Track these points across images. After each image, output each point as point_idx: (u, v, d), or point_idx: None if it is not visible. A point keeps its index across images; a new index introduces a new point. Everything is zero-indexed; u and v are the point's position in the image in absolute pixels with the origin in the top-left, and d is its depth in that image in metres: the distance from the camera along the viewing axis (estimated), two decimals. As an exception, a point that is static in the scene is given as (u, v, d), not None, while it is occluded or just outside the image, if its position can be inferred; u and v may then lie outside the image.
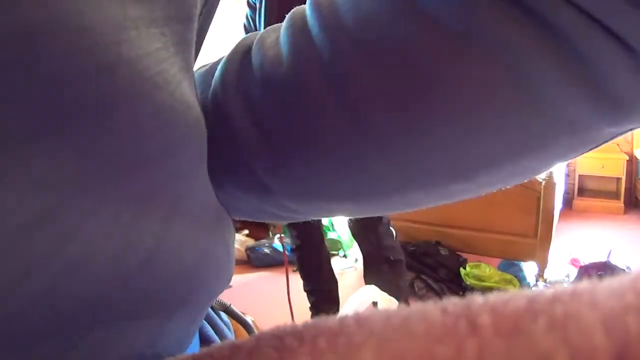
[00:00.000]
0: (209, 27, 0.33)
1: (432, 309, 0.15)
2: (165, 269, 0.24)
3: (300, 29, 0.33)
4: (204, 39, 0.33)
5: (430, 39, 0.28)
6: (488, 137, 0.30)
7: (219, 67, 0.37)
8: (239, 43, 0.38)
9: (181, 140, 0.24)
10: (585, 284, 0.15)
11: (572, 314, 0.13)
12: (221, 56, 0.39)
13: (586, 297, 0.14)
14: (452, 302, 0.15)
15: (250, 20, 2.18)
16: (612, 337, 0.12)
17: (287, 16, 0.35)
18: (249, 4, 2.17)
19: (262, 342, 0.17)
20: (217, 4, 0.33)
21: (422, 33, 0.29)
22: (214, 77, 0.37)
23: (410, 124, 0.30)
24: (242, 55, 0.36)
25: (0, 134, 0.16)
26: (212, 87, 0.36)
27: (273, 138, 0.34)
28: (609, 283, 0.14)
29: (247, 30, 2.22)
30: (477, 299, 0.15)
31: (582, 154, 0.33)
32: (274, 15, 2.03)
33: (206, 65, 0.40)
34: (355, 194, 0.35)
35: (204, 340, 0.39)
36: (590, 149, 0.33)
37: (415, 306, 0.16)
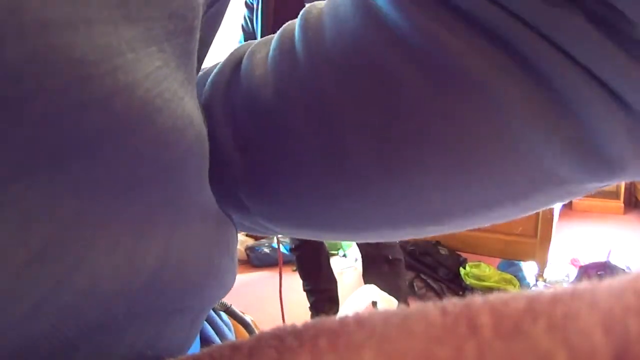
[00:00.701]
0: (217, 30, 0.32)
1: (432, 310, 0.15)
2: (170, 285, 0.24)
3: (287, 51, 0.32)
4: (212, 42, 0.33)
5: (414, 81, 0.28)
6: (464, 189, 0.30)
7: (210, 78, 0.36)
8: (232, 53, 0.37)
9: (182, 158, 0.24)
10: (585, 284, 0.15)
11: (572, 314, 0.13)
12: (216, 63, 0.38)
13: (586, 297, 0.14)
14: (452, 303, 0.15)
15: (248, 21, 2.18)
16: (612, 338, 0.12)
17: (278, 32, 0.34)
18: (246, 4, 2.17)
19: (262, 342, 0.17)
20: (227, 5, 0.32)
21: (409, 77, 0.28)
22: (204, 87, 0.36)
23: (387, 168, 0.30)
24: (231, 70, 0.35)
25: None
26: (202, 97, 0.36)
27: (256, 163, 0.33)
28: (608, 283, 0.14)
29: (244, 31, 2.23)
30: (476, 299, 0.15)
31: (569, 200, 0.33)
32: (270, 16, 2.03)
33: (202, 70, 0.40)
34: (331, 225, 0.35)
35: (205, 340, 0.39)
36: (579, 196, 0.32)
37: (415, 306, 0.16)
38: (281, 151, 0.32)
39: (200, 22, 0.25)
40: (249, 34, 2.19)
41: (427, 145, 0.29)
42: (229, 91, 0.34)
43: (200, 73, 0.38)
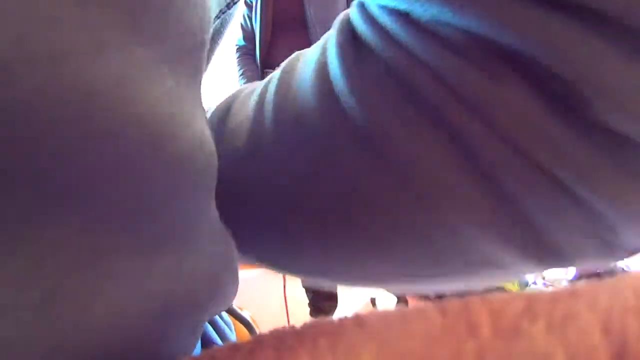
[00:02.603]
0: (220, 41, 0.32)
1: (432, 310, 0.15)
2: (180, 309, 0.24)
3: (259, 111, 0.32)
4: (214, 53, 0.33)
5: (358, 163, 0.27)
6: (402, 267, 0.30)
7: None
8: (226, 98, 0.38)
9: (193, 183, 0.23)
10: (584, 284, 0.15)
11: (571, 314, 0.13)
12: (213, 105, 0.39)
13: (585, 297, 0.14)
14: (451, 303, 0.15)
15: (247, 19, 2.18)
16: (611, 338, 0.12)
17: (259, 87, 0.34)
18: (246, 3, 2.17)
19: (262, 342, 0.17)
20: (232, 18, 0.32)
21: (364, 169, 0.27)
22: None
23: (325, 244, 0.31)
24: (218, 120, 0.36)
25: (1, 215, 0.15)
26: None
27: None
28: (607, 283, 0.14)
29: (243, 29, 2.22)
30: (475, 299, 0.15)
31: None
32: (269, 15, 2.03)
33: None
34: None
35: (205, 340, 0.39)
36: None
37: (415, 307, 0.16)
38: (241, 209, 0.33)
39: (209, 38, 0.25)
40: (248, 33, 2.19)
41: (357, 228, 0.29)
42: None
43: None
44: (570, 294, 0.14)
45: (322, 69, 0.28)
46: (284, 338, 0.17)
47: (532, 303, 0.14)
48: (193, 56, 0.22)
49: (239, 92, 0.37)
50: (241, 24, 2.24)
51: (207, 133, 0.24)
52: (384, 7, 0.26)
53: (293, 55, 0.33)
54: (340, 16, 0.30)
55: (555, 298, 0.14)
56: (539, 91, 0.22)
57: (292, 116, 0.29)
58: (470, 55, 0.23)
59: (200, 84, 0.25)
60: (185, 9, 0.21)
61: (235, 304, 0.46)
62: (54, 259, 0.17)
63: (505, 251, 0.26)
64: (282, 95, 0.31)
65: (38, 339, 0.17)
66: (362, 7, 0.27)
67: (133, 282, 0.20)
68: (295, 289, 2.48)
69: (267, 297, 2.91)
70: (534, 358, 0.12)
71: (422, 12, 0.23)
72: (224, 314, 0.45)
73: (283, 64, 0.33)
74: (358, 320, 0.16)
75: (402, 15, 0.25)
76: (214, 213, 0.28)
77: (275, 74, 0.33)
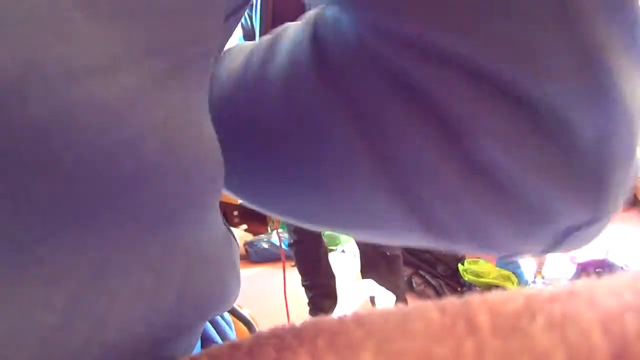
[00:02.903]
0: (226, 44, 0.34)
1: (431, 309, 0.15)
2: (185, 318, 0.24)
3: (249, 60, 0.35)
4: (220, 55, 0.34)
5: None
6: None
7: None
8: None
9: (203, 191, 0.24)
10: (583, 282, 0.15)
11: (571, 313, 0.13)
12: None
13: (584, 296, 0.14)
14: (450, 302, 0.15)
15: (247, 18, 2.18)
16: (611, 337, 0.12)
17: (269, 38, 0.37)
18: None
19: (261, 341, 0.17)
20: (238, 22, 0.32)
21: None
22: None
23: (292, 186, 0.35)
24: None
25: (17, 235, 0.15)
26: None
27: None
28: (607, 282, 0.14)
29: (243, 28, 2.22)
30: (475, 298, 0.15)
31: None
32: (269, 13, 2.03)
33: None
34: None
35: (205, 339, 0.39)
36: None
37: (414, 305, 0.16)
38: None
39: (217, 44, 0.25)
40: (247, 31, 2.19)
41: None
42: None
43: None
44: (569, 293, 0.14)
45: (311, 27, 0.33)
46: (283, 337, 0.17)
47: (531, 302, 0.14)
48: (202, 63, 0.23)
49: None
50: (241, 23, 2.24)
51: (215, 141, 0.25)
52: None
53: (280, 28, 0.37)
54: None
55: (554, 297, 0.14)
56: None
57: (281, 62, 0.33)
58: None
59: (207, 89, 0.25)
60: (196, 17, 0.21)
61: (235, 303, 0.47)
62: (68, 279, 0.17)
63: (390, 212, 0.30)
64: (271, 49, 0.34)
65: (54, 356, 0.17)
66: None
67: (142, 298, 0.20)
68: (295, 287, 2.49)
69: (267, 295, 2.91)
70: (533, 357, 0.12)
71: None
72: (225, 314, 0.45)
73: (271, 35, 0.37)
74: (357, 319, 0.16)
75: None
76: (219, 216, 0.29)
77: (264, 39, 0.37)
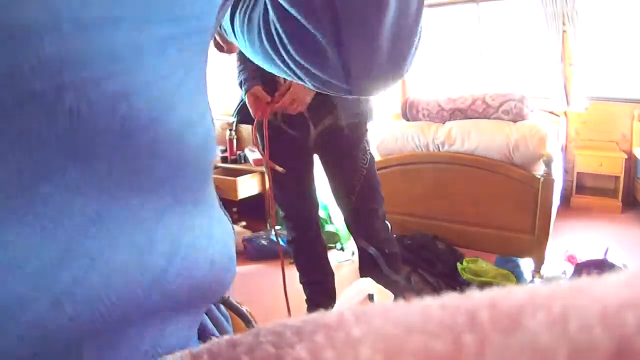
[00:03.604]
0: (220, 22, 0.40)
1: (431, 304, 0.15)
2: (174, 284, 0.26)
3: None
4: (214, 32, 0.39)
5: None
6: None
7: None
8: None
9: (194, 156, 0.26)
10: (583, 279, 0.15)
11: (572, 309, 0.13)
12: None
13: (585, 292, 0.13)
14: (450, 297, 0.15)
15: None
16: (612, 333, 0.12)
17: None
18: None
19: (261, 337, 0.17)
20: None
21: None
22: None
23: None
24: None
25: (26, 170, 0.17)
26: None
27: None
28: (607, 279, 0.14)
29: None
30: (475, 293, 0.15)
31: None
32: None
33: None
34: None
35: (203, 332, 0.39)
36: None
37: (414, 301, 0.16)
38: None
39: (215, 22, 0.30)
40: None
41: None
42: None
43: None
44: (569, 289, 0.14)
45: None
46: (282, 333, 0.17)
47: (532, 297, 0.14)
48: (200, 38, 0.26)
49: None
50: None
51: (209, 112, 0.29)
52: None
53: None
54: None
55: (555, 292, 0.14)
56: None
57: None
58: None
59: (205, 66, 0.29)
60: None
61: (235, 299, 0.47)
62: (67, 220, 0.19)
63: None
64: None
65: (43, 292, 0.19)
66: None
67: (131, 252, 0.22)
68: (293, 284, 2.49)
69: (266, 292, 2.91)
70: (535, 353, 0.12)
71: None
72: (222, 307, 0.45)
73: None
74: (356, 315, 0.16)
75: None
76: (212, 190, 0.32)
77: None
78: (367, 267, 2.30)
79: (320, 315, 0.18)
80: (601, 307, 0.13)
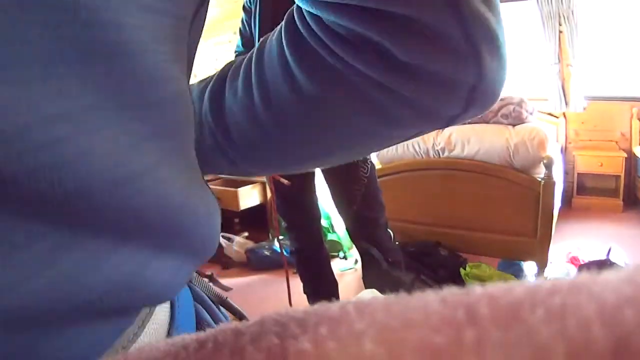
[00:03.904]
0: (200, 36, 0.41)
1: (432, 299, 0.15)
2: (153, 215, 0.28)
3: (246, 79, 0.49)
4: (197, 47, 0.41)
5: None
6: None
7: (208, 89, 0.54)
8: (222, 68, 0.54)
9: (170, 101, 0.29)
10: (583, 276, 0.15)
11: (571, 305, 0.13)
12: (212, 74, 0.55)
13: (585, 289, 0.14)
14: (451, 292, 0.16)
15: (246, 25, 2.18)
16: (610, 330, 0.12)
17: (242, 65, 0.51)
18: (244, 8, 2.17)
19: (264, 327, 0.17)
20: (205, 15, 0.40)
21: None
22: (204, 98, 0.53)
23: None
24: (218, 86, 0.52)
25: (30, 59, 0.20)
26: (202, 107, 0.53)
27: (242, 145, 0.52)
28: (607, 276, 0.14)
29: (242, 34, 2.22)
30: (476, 288, 0.15)
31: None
32: (268, 20, 2.03)
33: (203, 80, 0.56)
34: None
35: (200, 322, 0.41)
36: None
37: (416, 295, 0.16)
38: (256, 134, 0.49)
39: (191, 20, 0.33)
40: (247, 38, 2.19)
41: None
42: (218, 107, 0.52)
43: (201, 85, 0.55)
44: (569, 286, 0.14)
45: (280, 46, 0.46)
46: (286, 324, 0.17)
47: (532, 293, 0.14)
48: (179, 32, 0.31)
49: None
50: (240, 30, 2.24)
51: (186, 89, 0.33)
52: (308, 12, 0.43)
53: (262, 40, 0.51)
54: (289, 13, 0.47)
55: (554, 289, 0.14)
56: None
57: (267, 77, 0.47)
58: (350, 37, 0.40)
59: (185, 60, 0.34)
60: None
61: (240, 309, 0.48)
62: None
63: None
64: (259, 64, 0.48)
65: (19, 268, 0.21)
66: (299, 11, 0.44)
67: (117, 151, 0.25)
68: (297, 294, 2.48)
69: (269, 302, 2.91)
70: (533, 348, 0.12)
71: (325, 16, 0.41)
72: (221, 309, 0.46)
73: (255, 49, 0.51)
74: (359, 308, 0.16)
75: (315, 17, 0.42)
76: (193, 155, 0.36)
77: (251, 54, 0.51)
78: (370, 276, 2.29)
79: (323, 307, 0.18)
80: (600, 304, 0.13)
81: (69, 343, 0.25)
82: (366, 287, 2.32)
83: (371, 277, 2.29)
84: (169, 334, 0.35)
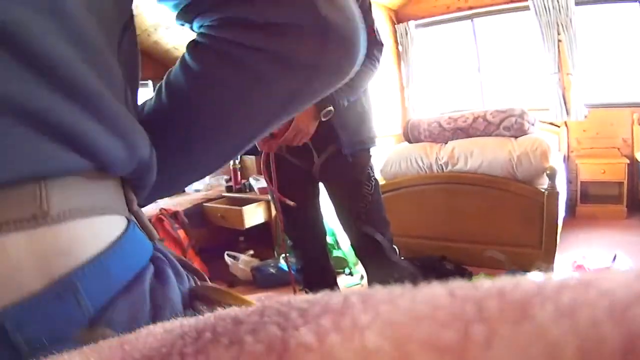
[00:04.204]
0: (138, 65, 0.55)
1: (440, 292, 0.15)
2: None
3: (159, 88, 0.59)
4: (138, 75, 0.55)
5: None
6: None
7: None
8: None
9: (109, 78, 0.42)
10: (592, 273, 0.15)
11: (581, 302, 0.13)
12: None
13: (594, 285, 0.13)
14: (460, 285, 0.15)
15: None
16: (621, 328, 0.12)
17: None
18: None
19: (266, 318, 0.17)
20: (135, 43, 0.53)
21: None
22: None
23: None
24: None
25: None
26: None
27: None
28: (616, 273, 0.14)
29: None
30: (485, 283, 0.15)
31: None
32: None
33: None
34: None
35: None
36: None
37: (423, 288, 0.16)
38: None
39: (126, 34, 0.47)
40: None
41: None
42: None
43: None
44: (578, 281, 0.14)
45: (182, 57, 0.56)
46: (288, 314, 0.17)
47: (541, 288, 0.14)
48: (116, 38, 0.44)
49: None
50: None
51: (117, 67, 0.44)
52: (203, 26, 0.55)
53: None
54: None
55: (564, 284, 0.14)
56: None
57: (173, 83, 0.57)
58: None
59: (115, 57, 0.44)
60: None
61: (198, 269, 0.53)
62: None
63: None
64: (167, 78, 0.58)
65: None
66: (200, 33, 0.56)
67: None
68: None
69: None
70: (544, 346, 0.12)
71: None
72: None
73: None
74: (364, 299, 0.16)
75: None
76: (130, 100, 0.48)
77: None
78: (369, 253, 2.25)
79: (325, 296, 0.17)
80: (610, 301, 0.12)
81: None
82: (369, 280, 2.30)
83: (370, 259, 2.26)
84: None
